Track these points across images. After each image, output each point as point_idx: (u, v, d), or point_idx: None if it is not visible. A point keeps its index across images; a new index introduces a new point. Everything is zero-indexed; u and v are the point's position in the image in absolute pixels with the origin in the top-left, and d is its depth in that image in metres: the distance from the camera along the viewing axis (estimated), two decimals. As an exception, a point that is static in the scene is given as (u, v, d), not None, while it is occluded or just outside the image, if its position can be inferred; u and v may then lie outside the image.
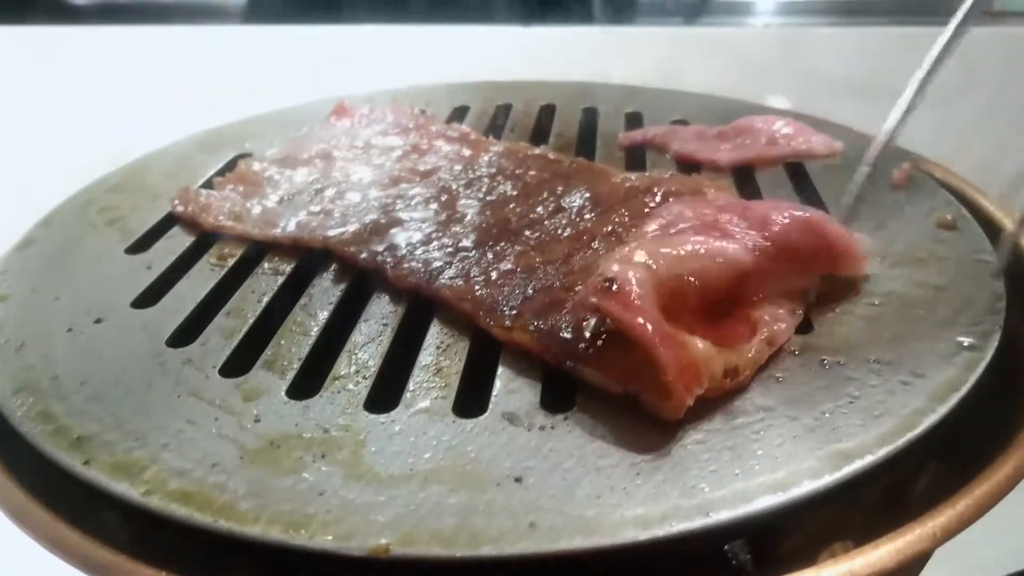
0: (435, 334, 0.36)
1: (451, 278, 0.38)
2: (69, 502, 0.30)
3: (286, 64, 0.87)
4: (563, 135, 0.58)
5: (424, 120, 0.58)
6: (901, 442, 0.29)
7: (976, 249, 0.41)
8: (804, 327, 0.36)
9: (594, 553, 0.26)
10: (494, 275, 0.38)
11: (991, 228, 0.44)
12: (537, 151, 0.52)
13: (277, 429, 0.31)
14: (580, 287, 0.35)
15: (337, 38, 0.92)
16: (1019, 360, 0.38)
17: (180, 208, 0.47)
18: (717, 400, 0.31)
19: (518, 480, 0.28)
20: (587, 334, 0.33)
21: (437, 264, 0.39)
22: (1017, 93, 0.75)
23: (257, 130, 0.59)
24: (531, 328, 0.34)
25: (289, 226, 0.44)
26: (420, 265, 0.39)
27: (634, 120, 0.61)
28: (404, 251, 0.41)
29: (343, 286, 0.40)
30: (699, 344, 0.30)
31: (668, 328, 0.30)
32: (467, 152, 0.52)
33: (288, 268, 0.42)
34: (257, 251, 0.44)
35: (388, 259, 0.40)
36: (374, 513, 0.27)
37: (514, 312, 0.35)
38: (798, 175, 0.50)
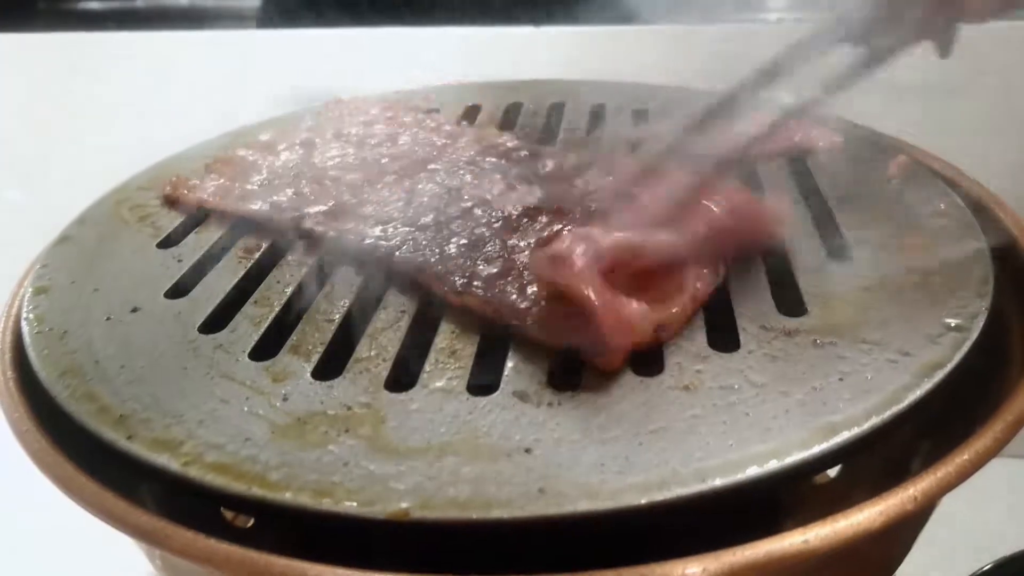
0: (450, 320, 0.39)
1: (409, 252, 0.42)
2: (114, 474, 0.32)
3: (308, 67, 0.90)
4: (571, 132, 0.60)
5: (404, 110, 0.62)
6: (887, 415, 0.31)
7: (966, 236, 0.43)
8: (798, 310, 0.38)
9: (597, 515, 0.28)
10: (449, 249, 0.42)
11: (983, 216, 0.46)
12: (503, 138, 0.56)
13: (304, 407, 0.33)
14: (525, 257, 0.40)
15: (355, 40, 0.94)
16: (1006, 340, 0.40)
17: (169, 190, 0.52)
18: (714, 378, 0.33)
19: (527, 451, 0.31)
20: (530, 297, 0.37)
21: (397, 240, 0.43)
22: (1020, 89, 0.77)
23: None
24: (479, 293, 0.38)
25: (264, 206, 0.49)
26: (383, 242, 0.44)
27: (641, 117, 0.62)
28: (367, 229, 0.45)
29: (363, 276, 0.43)
30: (634, 305, 0.34)
31: (608, 293, 0.34)
32: (437, 139, 0.56)
33: (311, 259, 0.45)
34: (281, 245, 0.46)
35: (351, 237, 0.44)
36: (394, 482, 0.30)
37: (464, 280, 0.39)
38: (799, 168, 0.52)
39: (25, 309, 0.41)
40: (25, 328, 0.40)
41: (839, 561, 0.31)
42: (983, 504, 0.60)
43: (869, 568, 0.37)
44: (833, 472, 0.45)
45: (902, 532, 0.36)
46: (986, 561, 0.57)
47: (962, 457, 0.30)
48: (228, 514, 0.38)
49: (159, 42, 0.99)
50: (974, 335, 0.36)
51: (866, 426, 0.31)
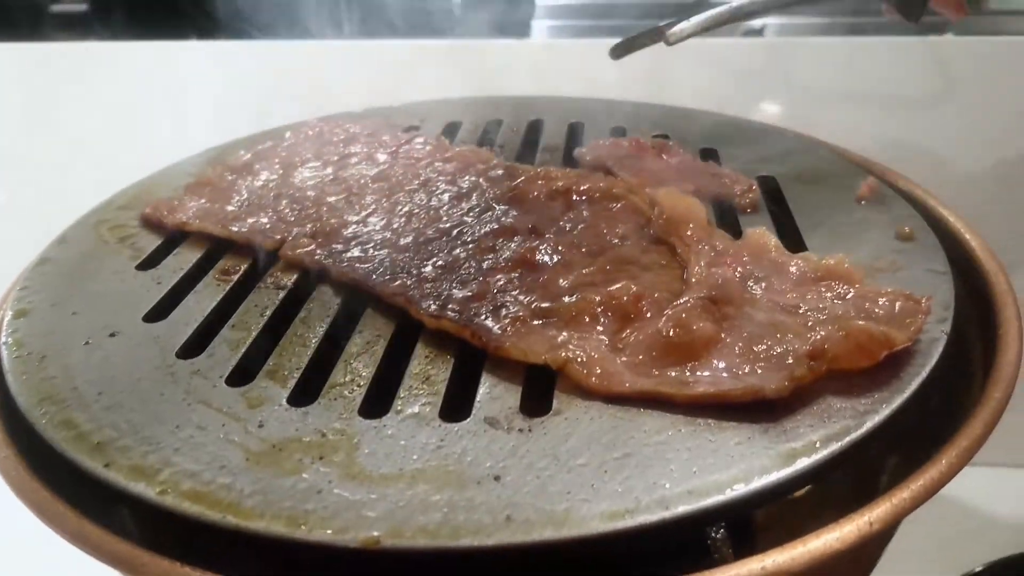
0: (424, 345, 0.39)
1: (387, 275, 0.43)
2: (91, 501, 0.33)
3: (293, 80, 0.90)
4: (550, 149, 0.61)
5: (384, 127, 0.63)
6: (846, 441, 0.32)
7: (931, 259, 0.44)
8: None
9: (563, 543, 0.29)
10: (425, 270, 0.43)
11: (949, 238, 0.47)
12: (481, 155, 0.56)
13: (279, 434, 0.34)
14: (500, 278, 0.42)
15: (344, 53, 0.95)
16: (967, 363, 0.41)
17: (149, 211, 0.52)
18: (680, 405, 0.34)
19: (497, 479, 0.31)
20: (503, 319, 0.39)
21: (374, 263, 0.44)
22: (995, 104, 0.78)
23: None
24: (454, 317, 0.39)
25: (244, 227, 0.50)
26: (360, 264, 0.45)
27: (618, 134, 0.63)
28: (346, 251, 0.46)
29: (340, 300, 0.43)
30: None
31: None
32: (416, 158, 0.57)
33: (289, 283, 0.45)
34: (259, 267, 0.47)
35: (330, 260, 0.45)
36: (366, 509, 0.30)
37: (439, 304, 0.40)
38: (774, 195, 0.53)
39: (4, 333, 0.42)
40: (4, 352, 0.40)
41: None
42: (966, 511, 0.62)
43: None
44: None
45: (862, 553, 0.37)
46: (969, 567, 0.59)
47: (916, 484, 0.31)
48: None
49: (138, 52, 0.99)
50: (933, 360, 0.37)
51: (824, 453, 0.32)
